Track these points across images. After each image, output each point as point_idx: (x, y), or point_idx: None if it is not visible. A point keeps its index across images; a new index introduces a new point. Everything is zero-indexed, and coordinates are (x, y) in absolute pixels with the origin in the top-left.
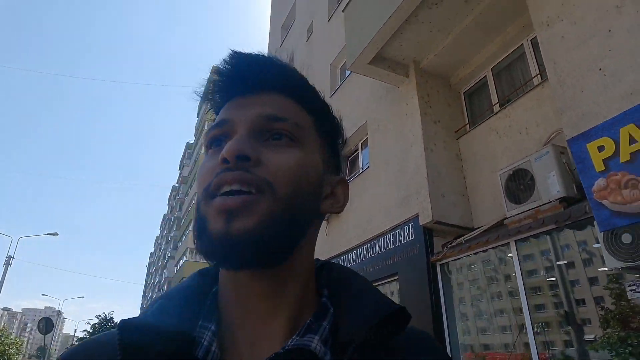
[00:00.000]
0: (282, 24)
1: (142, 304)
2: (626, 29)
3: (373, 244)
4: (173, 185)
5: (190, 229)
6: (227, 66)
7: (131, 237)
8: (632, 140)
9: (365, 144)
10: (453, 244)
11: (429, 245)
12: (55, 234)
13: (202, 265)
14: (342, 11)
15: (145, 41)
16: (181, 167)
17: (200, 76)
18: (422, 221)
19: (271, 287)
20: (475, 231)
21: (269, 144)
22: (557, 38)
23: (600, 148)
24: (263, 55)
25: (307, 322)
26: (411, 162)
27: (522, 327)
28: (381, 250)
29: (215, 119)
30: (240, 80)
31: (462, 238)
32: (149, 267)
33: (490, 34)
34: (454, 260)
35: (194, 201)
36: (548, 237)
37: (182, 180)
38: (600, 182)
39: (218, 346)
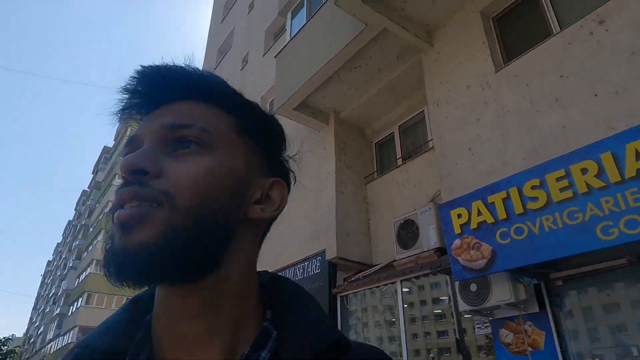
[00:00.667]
0: (218, 47)
1: (31, 316)
2: (489, 122)
3: (284, 273)
4: (83, 190)
5: (99, 239)
6: (132, 83)
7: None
8: (479, 213)
9: None
10: (352, 279)
11: (332, 279)
12: None
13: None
14: (275, 57)
15: (71, 35)
16: (95, 172)
17: (126, 77)
18: (328, 256)
19: (198, 305)
20: (371, 269)
21: (177, 154)
22: (443, 117)
23: (459, 215)
24: (169, 66)
25: (245, 353)
26: (324, 201)
27: (416, 352)
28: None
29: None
30: (147, 96)
31: (360, 274)
32: (44, 276)
33: (399, 98)
34: (353, 293)
35: (106, 210)
36: (426, 278)
37: (94, 185)
38: (457, 242)
39: None
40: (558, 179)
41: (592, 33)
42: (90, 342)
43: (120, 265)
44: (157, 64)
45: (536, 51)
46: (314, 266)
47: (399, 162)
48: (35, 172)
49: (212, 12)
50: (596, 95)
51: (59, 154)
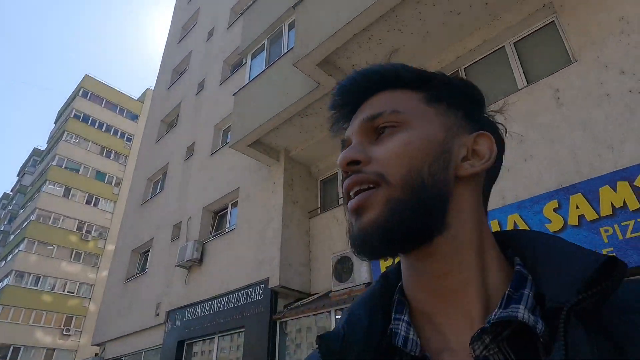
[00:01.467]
0: (174, 67)
1: None
2: None
3: (228, 297)
4: (4, 193)
5: (21, 247)
6: (337, 99)
7: None
8: None
9: (235, 205)
10: (292, 307)
11: (273, 305)
12: None
13: (29, 291)
14: (233, 95)
15: (9, 31)
16: (21, 174)
17: (67, 78)
18: (271, 284)
19: (439, 264)
20: (309, 298)
21: (378, 141)
22: None
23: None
24: (357, 72)
25: (507, 292)
26: (270, 232)
27: None
28: (234, 305)
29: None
30: (348, 104)
31: (299, 302)
32: None
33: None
34: (292, 319)
35: (33, 217)
36: None
37: (19, 189)
38: None
39: (416, 333)
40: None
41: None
42: (355, 313)
43: (362, 244)
44: (348, 75)
45: None
46: (257, 293)
47: (340, 201)
48: None
49: (169, 31)
50: (508, 170)
51: None
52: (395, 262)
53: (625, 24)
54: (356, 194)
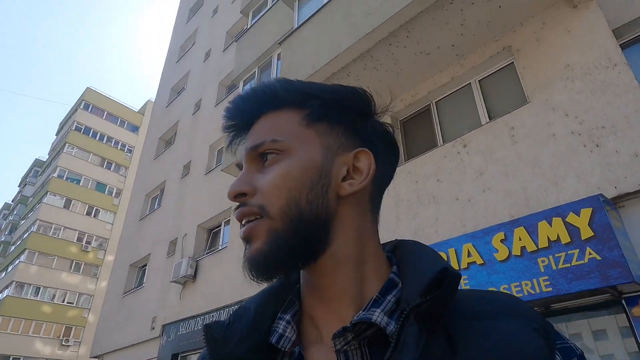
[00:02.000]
0: (172, 86)
1: None
2: (389, 206)
3: (220, 312)
4: (5, 203)
5: (21, 259)
6: (228, 122)
7: None
8: None
9: (227, 224)
10: None
11: None
12: None
13: (29, 302)
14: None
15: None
16: (22, 185)
17: (69, 89)
18: None
19: (323, 277)
20: None
21: (264, 169)
22: None
23: None
24: (244, 94)
25: (374, 297)
26: None
27: None
28: None
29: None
30: (240, 127)
31: None
32: None
33: None
34: None
35: (33, 228)
36: None
37: (20, 199)
38: None
39: (295, 331)
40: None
41: (459, 152)
42: (244, 306)
43: (251, 270)
44: (237, 96)
45: (425, 156)
46: None
47: None
48: None
49: (169, 49)
50: (457, 200)
51: None
52: None
53: (570, 71)
54: (246, 223)
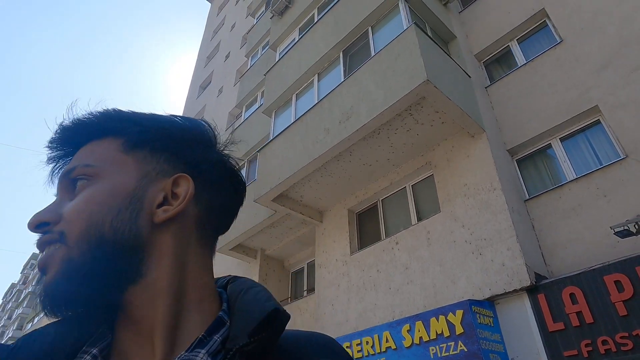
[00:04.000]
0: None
1: None
2: (343, 288)
3: None
4: (33, 253)
5: None
6: (48, 150)
7: None
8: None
9: None
10: None
11: None
12: None
13: None
14: None
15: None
16: None
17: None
18: None
19: (138, 309)
20: None
21: (73, 196)
22: (321, 276)
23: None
24: (65, 125)
25: (199, 337)
26: None
27: None
28: None
29: None
30: (59, 158)
31: None
32: None
33: (305, 246)
34: None
35: None
36: None
37: None
38: None
39: None
40: (365, 342)
41: (392, 248)
42: (43, 330)
43: (43, 303)
44: (59, 125)
45: (370, 249)
46: None
47: (306, 292)
48: None
49: (189, 89)
50: (390, 288)
51: (6, 214)
52: None
53: (467, 189)
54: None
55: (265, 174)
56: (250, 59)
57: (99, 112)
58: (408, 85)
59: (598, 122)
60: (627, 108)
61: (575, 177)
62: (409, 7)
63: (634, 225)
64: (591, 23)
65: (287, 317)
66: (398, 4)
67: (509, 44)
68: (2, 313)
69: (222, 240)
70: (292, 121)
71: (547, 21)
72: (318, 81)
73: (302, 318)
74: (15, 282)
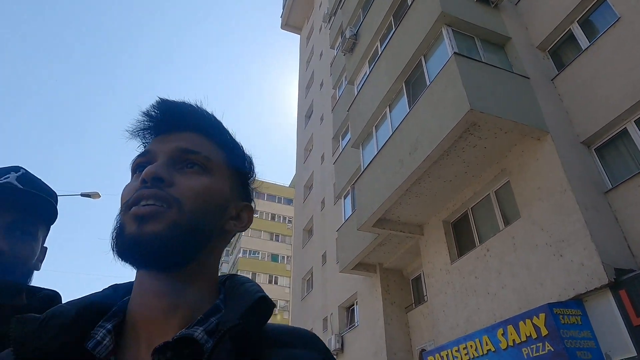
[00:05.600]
0: (304, 183)
1: None
2: (450, 295)
3: None
4: None
5: None
6: (154, 110)
7: None
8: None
9: (356, 304)
10: None
11: None
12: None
13: None
14: (336, 230)
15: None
16: (220, 264)
17: None
18: None
19: (171, 287)
20: None
21: (183, 171)
22: (430, 285)
23: (435, 357)
24: (185, 102)
25: (199, 318)
26: (378, 329)
27: None
28: None
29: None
30: (164, 121)
31: None
32: None
33: (416, 255)
34: None
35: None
36: None
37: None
38: None
39: (113, 341)
40: (469, 346)
41: (484, 255)
42: (63, 307)
43: (132, 249)
44: (172, 99)
45: (467, 256)
46: None
47: (425, 299)
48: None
49: (296, 152)
50: (488, 293)
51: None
52: (129, 282)
53: (540, 192)
54: (147, 205)
55: (361, 204)
56: (337, 90)
57: (215, 120)
58: (456, 116)
59: None
60: None
61: None
62: (453, 30)
63: None
64: None
65: (272, 305)
66: (441, 31)
67: (570, 26)
68: None
69: (342, 263)
70: (375, 154)
71: None
72: (390, 112)
73: (425, 322)
74: None
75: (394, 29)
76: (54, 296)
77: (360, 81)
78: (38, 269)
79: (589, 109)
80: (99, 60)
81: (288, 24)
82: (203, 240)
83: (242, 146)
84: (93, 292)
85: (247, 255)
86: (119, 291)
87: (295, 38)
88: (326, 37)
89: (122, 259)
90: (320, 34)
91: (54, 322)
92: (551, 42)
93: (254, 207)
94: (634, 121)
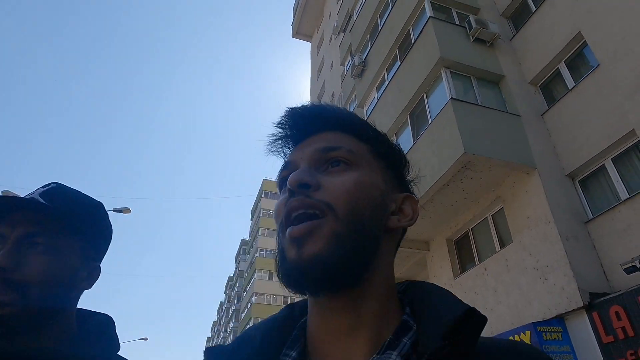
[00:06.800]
0: None
1: None
2: None
3: None
4: (229, 276)
5: (249, 324)
6: (284, 120)
7: (187, 321)
8: None
9: None
10: None
11: None
12: (145, 339)
13: None
14: None
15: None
16: (237, 262)
17: (250, 186)
18: None
19: (349, 305)
20: None
21: (328, 172)
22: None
23: None
24: (313, 104)
25: (388, 339)
26: None
27: None
28: None
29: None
30: (298, 130)
31: None
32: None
33: (424, 268)
34: None
35: (253, 300)
36: None
37: (238, 274)
38: None
39: None
40: None
41: (482, 273)
42: (249, 333)
43: (297, 278)
44: (302, 104)
45: (468, 273)
46: None
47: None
48: (187, 263)
49: None
50: (486, 308)
51: (206, 246)
52: (303, 298)
53: (529, 221)
54: (299, 217)
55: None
56: (348, 107)
57: (348, 112)
58: (453, 156)
59: None
60: None
61: (628, 196)
62: (451, 72)
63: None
64: (622, 45)
65: (484, 320)
66: (441, 73)
67: (558, 66)
68: (220, 327)
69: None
70: None
71: (587, 43)
72: (397, 139)
73: None
74: (222, 302)
75: (399, 62)
76: (106, 323)
77: (369, 106)
78: (87, 288)
79: (574, 145)
80: (115, 66)
81: (299, 33)
82: (370, 245)
83: (385, 135)
84: (272, 314)
85: (264, 254)
86: (295, 311)
87: (307, 45)
88: (336, 48)
89: (289, 288)
90: (330, 45)
91: (243, 351)
92: (542, 77)
93: (416, 197)
94: (611, 159)
